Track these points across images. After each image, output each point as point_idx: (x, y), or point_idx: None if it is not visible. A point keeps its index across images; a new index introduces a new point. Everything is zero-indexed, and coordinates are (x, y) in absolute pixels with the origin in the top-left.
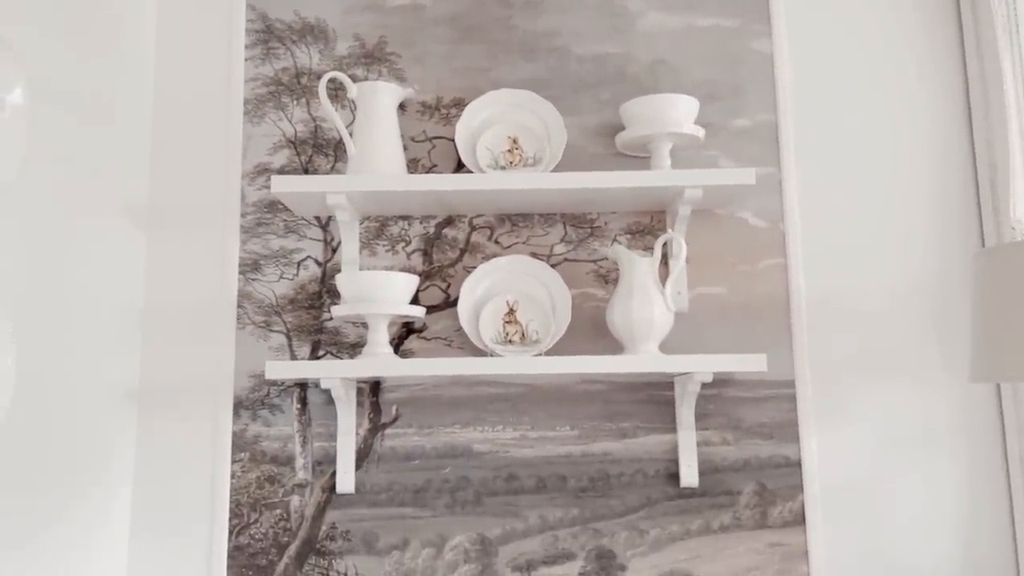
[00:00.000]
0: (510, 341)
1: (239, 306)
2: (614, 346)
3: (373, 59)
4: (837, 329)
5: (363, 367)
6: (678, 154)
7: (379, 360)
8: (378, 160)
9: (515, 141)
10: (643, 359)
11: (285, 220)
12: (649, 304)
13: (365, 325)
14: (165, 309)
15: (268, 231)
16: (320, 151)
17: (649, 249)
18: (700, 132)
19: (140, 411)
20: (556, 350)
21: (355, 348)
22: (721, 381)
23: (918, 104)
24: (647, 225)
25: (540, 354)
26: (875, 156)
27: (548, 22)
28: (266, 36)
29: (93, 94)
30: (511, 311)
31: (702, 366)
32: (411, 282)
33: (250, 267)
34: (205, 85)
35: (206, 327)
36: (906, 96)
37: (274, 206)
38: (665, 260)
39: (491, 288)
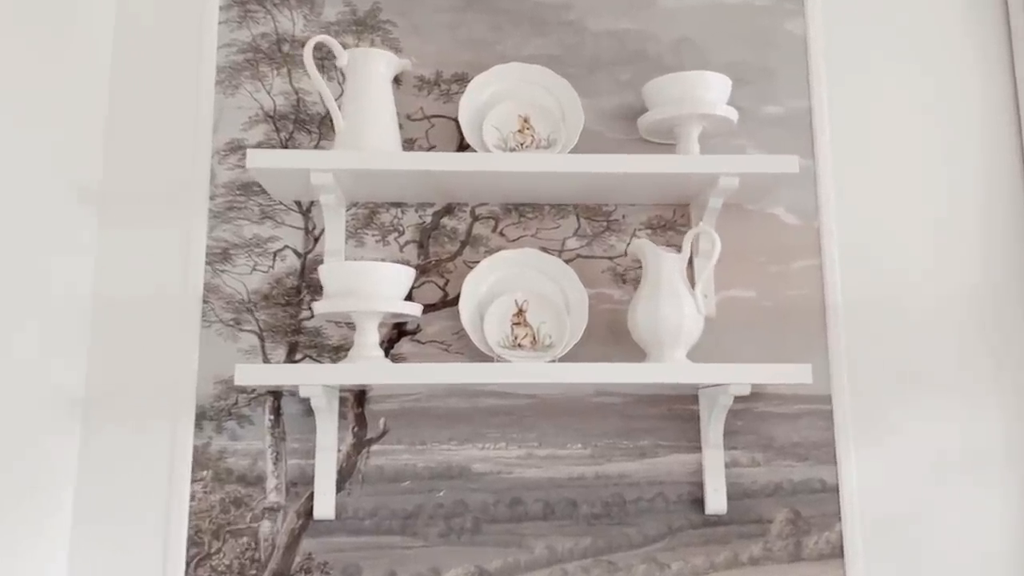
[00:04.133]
0: (519, 345)
1: (205, 301)
2: (632, 353)
3: (365, 27)
4: (878, 338)
5: (350, 373)
6: (705, 142)
7: (369, 365)
8: (370, 136)
9: (526, 121)
10: (676, 368)
11: (261, 204)
12: (678, 306)
13: (350, 325)
14: (118, 303)
15: (240, 216)
16: (303, 127)
17: (672, 246)
18: (733, 114)
19: (85, 421)
20: (570, 357)
21: (338, 352)
22: (751, 395)
23: (966, 91)
24: (669, 220)
25: (554, 360)
26: (918, 148)
27: None
28: None
29: (40, 56)
30: (520, 312)
31: (740, 376)
32: (406, 275)
33: (218, 257)
34: (172, 50)
35: (165, 325)
36: (952, 83)
37: (248, 188)
38: (690, 260)
39: (498, 285)
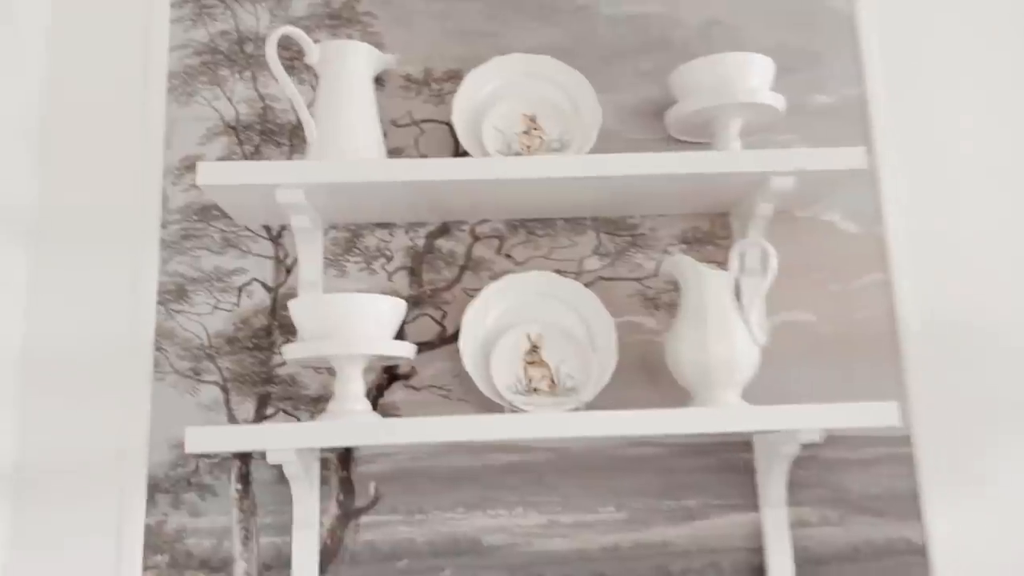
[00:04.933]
0: (535, 390)
1: (157, 348)
2: (672, 393)
3: (341, 20)
4: (965, 366)
5: (326, 433)
6: (745, 139)
7: (351, 422)
8: (348, 145)
9: (533, 120)
10: (732, 414)
11: (223, 231)
12: (729, 336)
13: (332, 371)
14: (53, 357)
15: (199, 246)
16: (270, 138)
17: (713, 263)
18: (780, 102)
19: (16, 497)
20: (598, 402)
21: (318, 403)
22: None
23: None
24: (707, 232)
25: (579, 408)
26: (997, 136)
27: None
28: None
29: None
30: (534, 348)
31: (810, 421)
32: (395, 309)
33: (173, 295)
34: (116, 54)
35: (110, 379)
36: None
37: (207, 212)
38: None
39: (505, 317)
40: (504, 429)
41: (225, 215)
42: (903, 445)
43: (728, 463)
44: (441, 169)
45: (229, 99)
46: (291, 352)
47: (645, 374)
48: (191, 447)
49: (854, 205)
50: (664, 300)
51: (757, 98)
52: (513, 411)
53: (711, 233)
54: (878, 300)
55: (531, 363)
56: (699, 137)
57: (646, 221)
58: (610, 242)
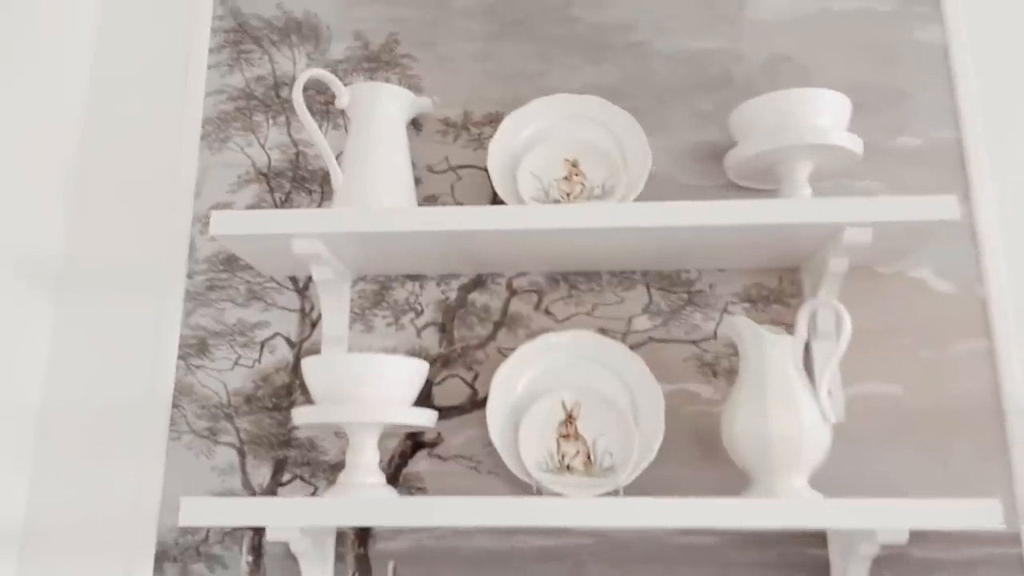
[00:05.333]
0: (568, 468)
1: (175, 405)
2: (729, 474)
3: (379, 63)
4: None
5: (330, 511)
6: (817, 186)
7: (357, 499)
8: (375, 191)
9: (575, 165)
10: (798, 507)
11: (248, 282)
12: (794, 412)
13: None
14: (70, 406)
15: (223, 298)
16: (301, 186)
17: (780, 325)
18: (856, 144)
19: (21, 552)
20: (641, 484)
21: (337, 470)
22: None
23: None
24: (774, 290)
25: (618, 492)
26: None
27: (622, 12)
28: (238, 36)
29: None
30: (570, 419)
31: (894, 519)
32: (416, 372)
33: (194, 349)
34: (152, 100)
35: (126, 435)
36: None
37: (233, 263)
38: (805, 343)
39: (539, 382)
40: (524, 515)
41: (250, 266)
42: (1011, 545)
43: (796, 559)
44: (468, 218)
45: (262, 145)
46: (301, 416)
47: (699, 450)
48: (185, 519)
49: (949, 261)
50: (723, 366)
51: (828, 139)
52: (541, 492)
53: (779, 291)
54: (978, 370)
55: (565, 436)
56: (763, 183)
57: (704, 276)
58: (663, 299)
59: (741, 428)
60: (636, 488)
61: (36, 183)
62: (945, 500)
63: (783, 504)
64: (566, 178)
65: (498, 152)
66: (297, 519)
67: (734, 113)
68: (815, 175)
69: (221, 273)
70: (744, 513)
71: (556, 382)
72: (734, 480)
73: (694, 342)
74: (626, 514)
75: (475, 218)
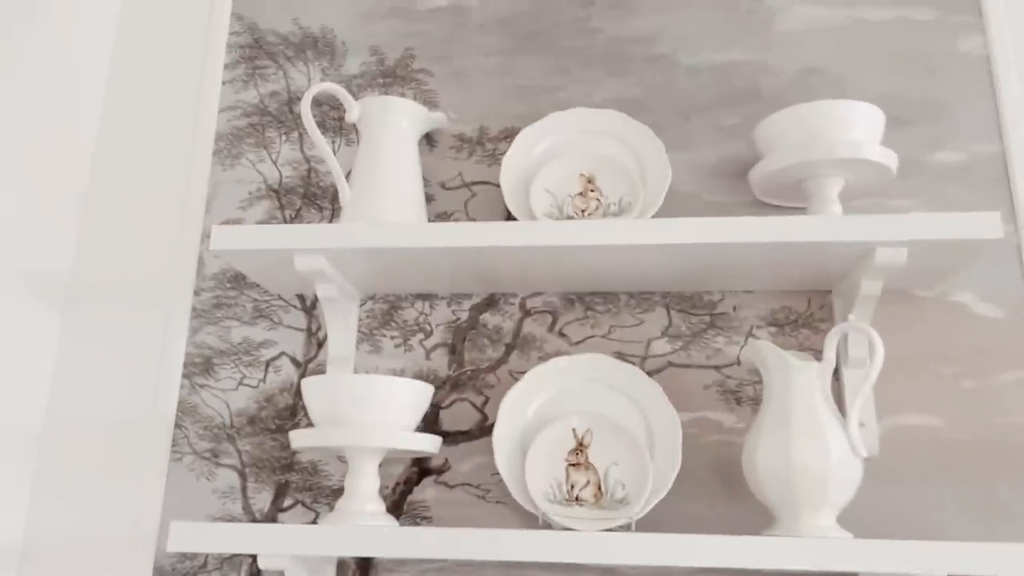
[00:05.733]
0: (577, 499)
1: (178, 425)
2: (752, 509)
3: (395, 78)
4: None
5: (324, 538)
6: (849, 204)
7: (352, 529)
8: (382, 206)
9: (591, 181)
10: (827, 548)
11: (255, 300)
12: (822, 443)
13: None
14: (73, 424)
15: (229, 316)
16: (312, 202)
17: (808, 351)
18: (892, 160)
19: (18, 572)
20: (654, 519)
21: (339, 496)
22: None
23: None
24: (802, 314)
25: (630, 526)
26: None
27: (644, 24)
28: (253, 52)
29: (13, 114)
30: (580, 446)
31: (932, 564)
32: (420, 394)
33: (199, 368)
34: (167, 115)
35: (127, 455)
36: None
37: (240, 280)
38: (836, 370)
39: (550, 407)
40: (530, 549)
41: (258, 284)
42: None
43: None
44: (478, 233)
45: (274, 162)
46: (299, 439)
47: (720, 483)
48: (174, 545)
49: (994, 284)
50: (748, 394)
51: (860, 154)
52: (548, 525)
53: (808, 315)
54: None
55: (575, 465)
56: (791, 201)
57: (728, 298)
58: (684, 322)
59: (763, 460)
60: (650, 522)
61: (47, 196)
62: (988, 544)
63: (808, 544)
64: (581, 194)
65: (511, 167)
66: (290, 547)
67: (759, 126)
68: (846, 193)
69: (229, 291)
70: (765, 553)
71: (567, 408)
72: (756, 517)
73: (716, 367)
74: (638, 551)
75: (486, 234)
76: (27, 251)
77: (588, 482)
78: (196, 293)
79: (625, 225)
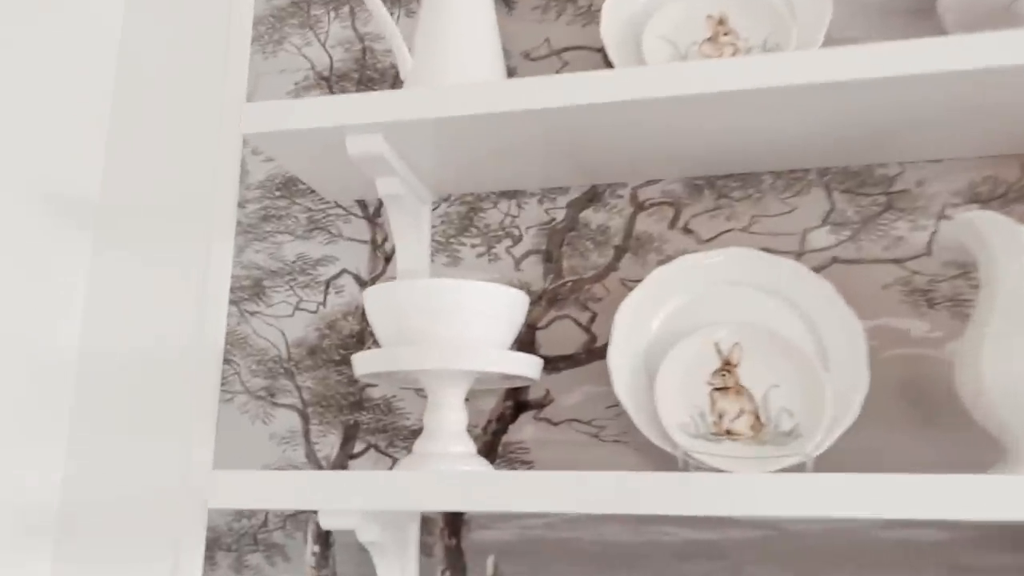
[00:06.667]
0: (729, 432)
1: (227, 360)
2: (961, 440)
3: None
4: None
5: (400, 488)
6: None
7: (437, 474)
8: (451, 75)
9: (721, 22)
10: None
11: (309, 210)
12: None
13: None
14: (107, 367)
15: (280, 229)
16: (369, 88)
17: None
18: None
19: (57, 540)
20: (836, 453)
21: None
22: None
23: None
24: (1012, 184)
25: (805, 466)
26: None
27: None
28: None
29: (32, 17)
30: (727, 366)
31: None
32: (514, 304)
33: (248, 292)
34: (195, 2)
35: (170, 397)
36: None
37: (291, 187)
38: None
39: (680, 318)
40: (669, 499)
41: (312, 191)
42: None
43: None
44: (574, 88)
45: (323, 44)
46: (364, 364)
47: (912, 409)
48: (217, 501)
49: None
50: (943, 293)
51: None
52: (690, 466)
53: (1020, 186)
54: None
55: (722, 389)
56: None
57: (909, 171)
58: (850, 205)
59: (990, 376)
60: (827, 461)
61: (68, 106)
62: None
63: None
64: (710, 39)
65: (614, 18)
66: (357, 499)
67: None
68: None
69: (278, 200)
70: (995, 497)
71: (705, 317)
72: (967, 451)
73: (898, 261)
74: (821, 499)
75: (586, 86)
76: (49, 169)
77: (742, 411)
78: (240, 205)
79: (779, 60)
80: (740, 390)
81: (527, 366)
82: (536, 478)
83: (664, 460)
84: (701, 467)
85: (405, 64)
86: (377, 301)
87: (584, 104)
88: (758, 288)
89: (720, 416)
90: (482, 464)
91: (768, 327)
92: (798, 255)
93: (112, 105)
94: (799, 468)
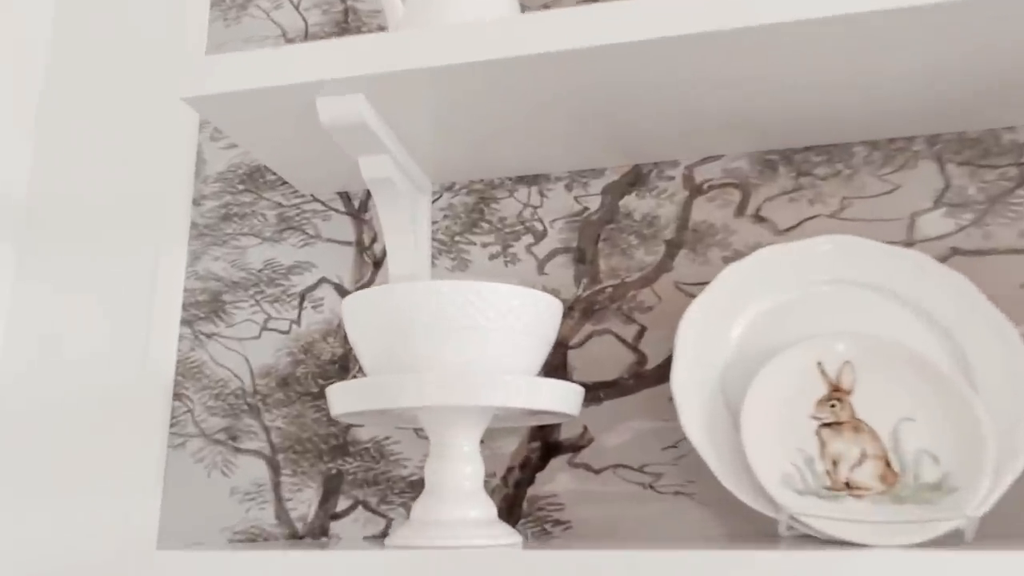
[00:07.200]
0: (848, 485)
1: (176, 395)
2: None
3: None
4: None
5: (388, 571)
6: None
7: (438, 553)
8: (452, 17)
9: None
10: None
11: (280, 205)
12: None
13: None
14: (26, 405)
15: (244, 231)
16: None
17: None
18: None
19: None
20: (998, 515)
21: (420, 490)
22: None
23: None
24: None
25: (962, 533)
26: None
27: None
28: None
29: None
30: (837, 393)
31: None
32: (545, 313)
33: (204, 309)
34: None
35: (103, 445)
36: None
37: (258, 178)
38: None
39: (767, 330)
40: None
41: (283, 181)
42: None
43: None
44: (612, 23)
45: (295, 6)
46: (341, 399)
47: None
48: None
49: None
50: None
51: None
52: (794, 533)
53: None
54: None
55: (832, 425)
56: None
57: None
58: (972, 181)
59: None
60: (987, 525)
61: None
62: None
63: None
64: None
65: None
66: None
67: None
68: None
69: (242, 195)
70: None
71: (798, 328)
72: None
73: None
74: None
75: (622, 21)
76: None
77: (864, 454)
78: (196, 202)
79: None
80: (858, 426)
81: (565, 399)
82: (584, 559)
83: (747, 518)
84: (812, 535)
85: (395, 12)
86: (360, 313)
87: (623, 43)
88: (867, 287)
89: (834, 463)
90: (506, 533)
91: (893, 339)
92: (906, 246)
93: (42, 87)
94: (955, 536)
